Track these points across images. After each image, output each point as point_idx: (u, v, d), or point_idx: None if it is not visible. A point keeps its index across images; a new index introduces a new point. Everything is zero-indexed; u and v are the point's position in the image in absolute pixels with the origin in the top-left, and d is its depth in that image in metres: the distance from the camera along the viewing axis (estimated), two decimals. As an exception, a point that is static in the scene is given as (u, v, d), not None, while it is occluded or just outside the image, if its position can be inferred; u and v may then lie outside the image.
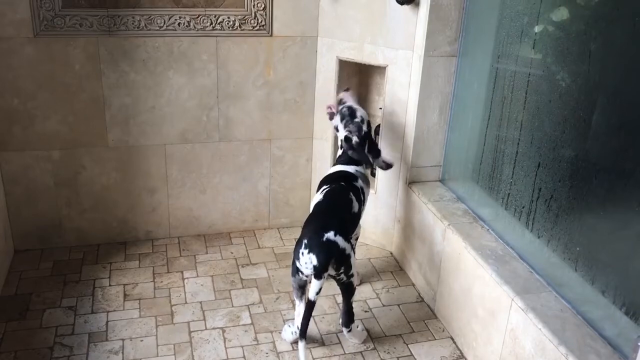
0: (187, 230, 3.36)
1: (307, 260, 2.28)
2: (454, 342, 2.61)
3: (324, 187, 2.59)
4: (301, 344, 2.27)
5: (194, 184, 3.27)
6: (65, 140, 2.99)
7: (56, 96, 2.89)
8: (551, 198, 2.25)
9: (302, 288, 2.45)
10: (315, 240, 2.29)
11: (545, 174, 2.28)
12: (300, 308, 2.48)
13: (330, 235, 2.31)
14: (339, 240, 2.32)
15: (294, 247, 2.40)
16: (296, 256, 2.35)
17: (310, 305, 2.28)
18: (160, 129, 3.10)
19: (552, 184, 2.24)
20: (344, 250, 2.33)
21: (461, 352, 2.56)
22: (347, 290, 2.46)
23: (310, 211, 2.55)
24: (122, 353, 2.45)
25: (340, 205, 2.52)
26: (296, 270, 2.38)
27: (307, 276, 2.35)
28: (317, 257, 2.26)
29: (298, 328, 2.44)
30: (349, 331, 2.53)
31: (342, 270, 2.36)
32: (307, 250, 2.29)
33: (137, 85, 2.98)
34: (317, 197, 2.57)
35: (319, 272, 2.26)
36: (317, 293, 2.26)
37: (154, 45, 2.92)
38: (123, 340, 2.53)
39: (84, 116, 2.97)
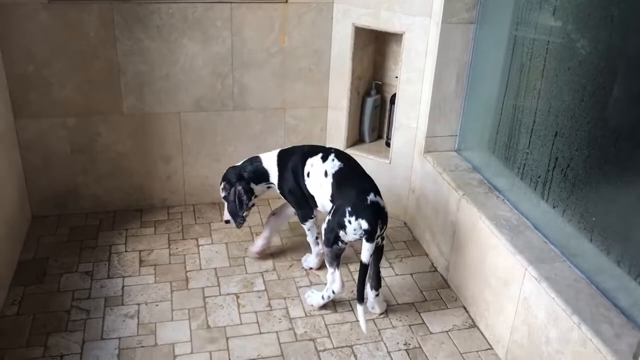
0: (202, 198, 3.38)
1: (357, 227, 2.29)
2: (466, 311, 2.62)
3: (315, 156, 2.57)
4: (360, 308, 2.33)
5: (208, 152, 3.27)
6: (80, 107, 3.00)
7: (71, 63, 2.89)
8: (568, 167, 2.22)
9: (339, 257, 2.49)
10: (360, 205, 2.31)
11: (562, 143, 2.24)
12: (335, 275, 2.51)
13: (371, 197, 2.35)
14: (379, 200, 2.38)
15: (327, 219, 2.42)
16: (339, 226, 2.34)
17: (364, 269, 2.30)
18: (175, 97, 3.10)
19: (569, 153, 2.21)
20: (384, 208, 2.38)
21: (473, 321, 2.56)
22: (381, 252, 2.52)
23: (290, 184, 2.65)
24: (138, 317, 2.49)
25: (358, 167, 2.57)
26: (335, 239, 2.40)
27: (346, 244, 2.41)
28: (368, 220, 2.27)
29: (333, 293, 2.54)
30: (377, 295, 2.55)
31: (384, 229, 2.40)
32: (353, 218, 2.30)
33: (151, 52, 2.97)
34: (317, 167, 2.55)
35: (371, 235, 2.28)
36: (371, 256, 2.31)
37: (168, 12, 2.90)
38: (138, 304, 2.57)
39: (99, 83, 2.97)
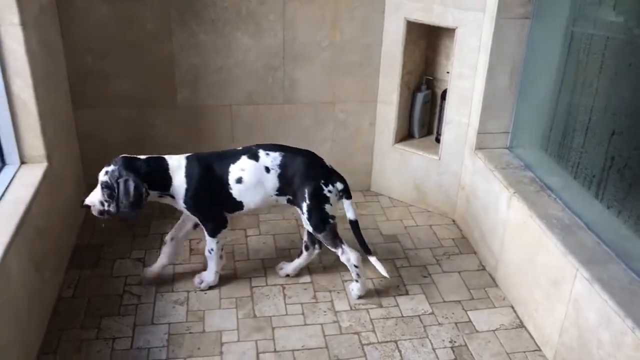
0: (250, 190, 3.42)
1: (335, 191, 2.49)
2: (514, 311, 2.58)
3: (246, 154, 2.50)
4: (373, 258, 2.55)
5: (258, 145, 3.31)
6: (136, 99, 3.08)
7: (128, 55, 2.98)
8: (625, 167, 2.15)
9: (337, 233, 2.57)
10: (327, 173, 2.50)
11: (619, 141, 2.18)
12: (346, 251, 2.55)
13: (324, 162, 2.55)
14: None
15: (307, 208, 2.46)
16: (323, 202, 2.47)
17: (356, 225, 2.55)
18: (227, 90, 3.15)
19: (627, 152, 2.14)
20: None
21: (521, 321, 2.52)
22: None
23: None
24: (187, 304, 2.55)
25: (291, 147, 2.58)
26: (325, 218, 2.49)
27: (334, 216, 2.52)
28: (340, 180, 2.52)
29: (356, 267, 2.57)
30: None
31: None
32: (330, 186, 2.48)
33: (205, 45, 3.02)
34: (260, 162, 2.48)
35: (348, 191, 2.53)
36: None
37: (223, 6, 2.95)
38: (188, 292, 2.63)
39: (155, 76, 3.05)
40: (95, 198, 2.36)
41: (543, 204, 2.49)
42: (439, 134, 3.23)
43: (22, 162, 2.53)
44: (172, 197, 2.46)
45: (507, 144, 2.96)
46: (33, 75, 2.39)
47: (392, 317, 2.53)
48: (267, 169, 2.46)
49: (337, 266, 2.84)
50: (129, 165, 2.35)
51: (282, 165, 2.46)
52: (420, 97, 3.26)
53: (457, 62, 2.93)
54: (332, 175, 2.51)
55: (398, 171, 3.36)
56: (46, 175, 2.50)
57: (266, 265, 2.82)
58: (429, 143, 3.31)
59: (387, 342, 2.40)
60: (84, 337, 2.35)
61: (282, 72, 3.15)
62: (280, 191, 2.49)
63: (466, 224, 3.09)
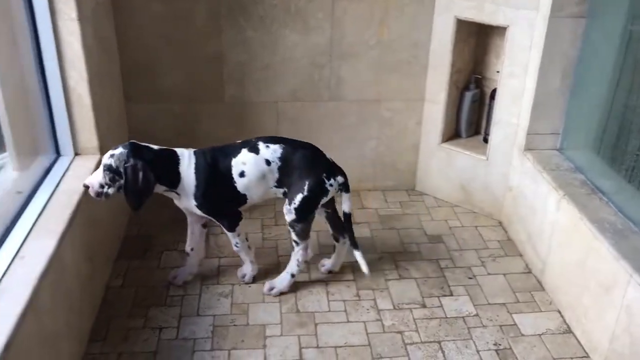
0: (294, 186, 3.44)
1: (336, 185, 2.50)
2: (561, 316, 2.52)
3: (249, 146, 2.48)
4: (358, 253, 2.55)
5: (303, 142, 3.33)
6: (185, 95, 3.14)
7: (179, 52, 3.03)
8: (684, 171, 2.08)
9: (310, 226, 2.60)
10: (330, 167, 2.51)
11: (678, 144, 2.11)
12: (306, 245, 2.60)
13: (327, 156, 2.54)
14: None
15: (300, 197, 2.45)
16: (321, 194, 2.48)
17: (349, 218, 2.56)
18: (274, 87, 3.17)
19: (687, 155, 2.07)
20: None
21: (568, 326, 2.46)
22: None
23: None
24: (232, 297, 2.59)
25: (293, 140, 2.56)
26: (313, 211, 2.52)
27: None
28: (341, 174, 2.53)
29: (298, 265, 2.61)
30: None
31: None
32: (332, 180, 2.49)
33: (254, 42, 3.05)
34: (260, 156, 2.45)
35: (347, 185, 2.54)
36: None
37: (272, 3, 2.97)
38: (233, 285, 2.66)
39: (203, 72, 3.10)
40: (95, 179, 2.28)
41: (594, 207, 2.43)
42: (486, 133, 3.19)
43: (76, 154, 2.61)
44: (178, 194, 2.41)
45: (558, 145, 2.89)
46: (88, 69, 2.46)
47: (436, 318, 2.51)
48: (268, 162, 2.44)
49: (381, 265, 2.84)
50: (138, 151, 2.30)
51: (283, 158, 2.45)
52: (468, 96, 3.22)
53: (507, 61, 2.88)
54: (334, 169, 2.52)
55: (444, 171, 3.33)
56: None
57: (310, 262, 2.83)
58: (477, 143, 3.26)
59: (430, 342, 2.38)
60: (131, 326, 2.40)
61: (328, 70, 3.16)
62: (279, 183, 2.48)
63: (512, 226, 3.04)
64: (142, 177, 2.27)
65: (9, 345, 1.60)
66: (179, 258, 2.82)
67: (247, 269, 2.68)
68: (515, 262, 2.88)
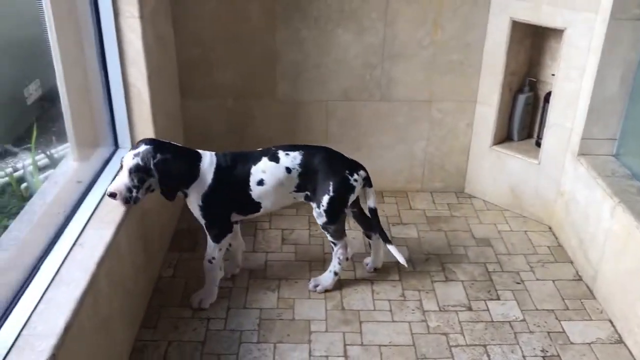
0: (342, 185, 3.47)
1: (360, 180, 2.50)
2: (613, 325, 2.46)
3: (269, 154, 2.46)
4: (392, 247, 2.55)
5: (351, 141, 3.34)
6: (239, 91, 3.20)
7: (234, 48, 3.09)
8: None
9: (344, 223, 2.61)
10: (349, 164, 2.51)
11: None
12: (344, 243, 2.60)
13: (343, 154, 2.54)
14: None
15: (327, 199, 2.44)
16: (347, 192, 2.47)
17: (375, 213, 2.57)
18: (325, 86, 3.20)
19: None
20: None
21: (620, 337, 2.40)
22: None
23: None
24: (278, 291, 2.63)
25: (309, 145, 2.56)
26: (344, 209, 2.52)
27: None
28: (362, 168, 2.53)
29: (339, 263, 2.62)
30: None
31: None
32: (355, 175, 2.48)
33: (307, 41, 3.09)
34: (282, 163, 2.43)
35: (369, 178, 2.54)
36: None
37: (326, 3, 3.00)
38: (279, 280, 2.71)
39: (257, 69, 3.15)
40: (120, 185, 2.20)
41: (651, 216, 2.36)
42: (539, 137, 3.13)
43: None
44: (186, 193, 2.37)
45: (613, 151, 2.82)
46: (147, 66, 2.54)
47: (482, 321, 2.49)
48: (288, 170, 2.42)
49: (427, 266, 2.83)
50: (162, 146, 2.27)
51: (303, 164, 2.43)
52: (522, 99, 3.17)
53: (563, 64, 2.83)
54: (354, 165, 2.52)
55: (494, 174, 3.29)
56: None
57: (355, 260, 2.85)
58: (529, 146, 3.21)
59: (475, 345, 2.36)
60: (181, 315, 2.47)
61: (380, 70, 3.16)
62: (299, 188, 2.46)
63: (563, 232, 2.98)
64: (175, 167, 2.27)
65: (68, 327, 1.68)
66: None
67: (207, 293, 2.53)
68: (565, 269, 2.83)
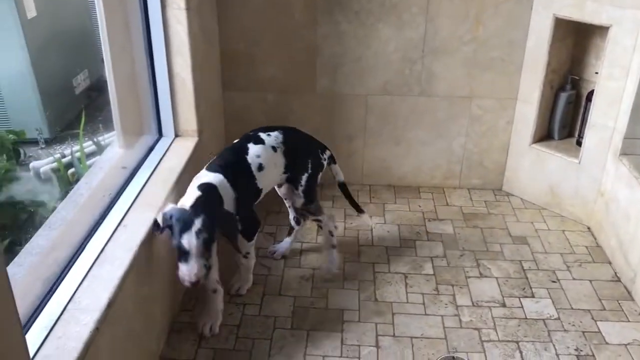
0: (378, 179, 3.49)
1: (326, 157, 2.66)
2: (651, 328, 2.43)
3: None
4: (365, 215, 2.87)
5: (389, 136, 3.36)
6: (279, 84, 3.25)
7: (276, 42, 3.15)
8: None
9: None
10: (319, 142, 2.65)
11: None
12: (331, 220, 2.72)
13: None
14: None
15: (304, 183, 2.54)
16: (320, 169, 2.61)
17: (345, 186, 2.77)
18: (364, 80, 3.23)
19: None
20: None
21: (658, 339, 2.37)
22: None
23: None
24: (312, 280, 2.67)
25: (281, 127, 2.61)
26: (316, 187, 2.61)
27: None
28: (326, 147, 2.67)
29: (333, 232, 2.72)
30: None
31: None
32: (324, 153, 2.65)
33: (347, 35, 3.12)
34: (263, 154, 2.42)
35: (333, 157, 2.71)
36: None
37: (368, -3, 3.03)
38: (314, 269, 2.75)
39: (298, 63, 3.20)
40: (198, 268, 2.04)
41: (694, 217, 2.32)
42: (580, 136, 3.09)
43: (177, 135, 2.77)
44: None
45: (657, 151, 2.77)
46: (192, 56, 2.61)
47: (515, 318, 2.48)
48: (274, 149, 2.45)
49: (462, 262, 2.83)
50: (204, 207, 2.08)
51: (285, 142, 2.48)
52: (563, 97, 3.13)
53: (607, 62, 2.79)
54: (321, 144, 2.64)
55: (533, 172, 3.26)
56: (196, 149, 2.72)
57: (390, 253, 2.88)
58: (569, 145, 3.17)
59: (508, 341, 2.36)
60: (218, 300, 2.54)
61: (420, 65, 3.17)
62: (286, 168, 2.49)
63: (602, 232, 2.94)
64: (227, 214, 2.20)
65: (111, 303, 1.76)
66: (263, 240, 2.94)
67: (244, 280, 2.58)
68: (604, 269, 2.79)
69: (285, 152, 2.49)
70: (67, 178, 3.24)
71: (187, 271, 2.04)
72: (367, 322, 2.45)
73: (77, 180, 2.70)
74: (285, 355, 2.28)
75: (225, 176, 2.27)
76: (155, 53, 2.61)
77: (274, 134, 2.51)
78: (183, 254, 2.04)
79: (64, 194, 2.64)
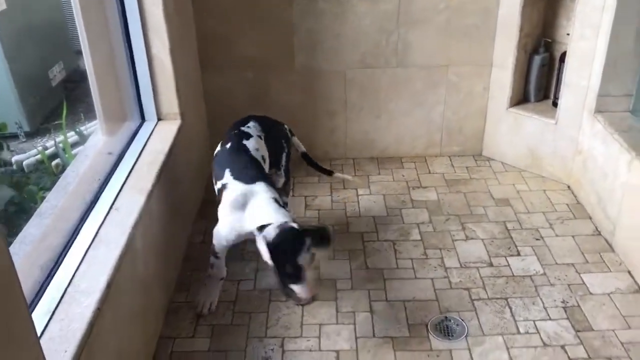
0: (361, 152, 3.54)
1: (288, 130, 2.75)
2: (632, 276, 2.52)
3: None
4: (337, 174, 2.94)
5: (370, 109, 3.40)
6: (258, 63, 3.27)
7: (252, 21, 3.15)
8: None
9: None
10: (279, 122, 2.73)
11: None
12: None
13: None
14: None
15: (287, 152, 2.65)
16: (290, 142, 2.71)
17: (307, 154, 2.83)
18: (342, 55, 3.25)
19: None
20: None
21: (639, 286, 2.46)
22: None
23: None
24: (304, 254, 2.72)
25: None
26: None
27: None
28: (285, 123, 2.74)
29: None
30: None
31: None
32: (288, 129, 2.75)
33: (324, 12, 3.13)
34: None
35: (291, 130, 2.78)
36: None
37: (341, -29, 3.05)
38: (304, 243, 2.80)
39: (275, 41, 3.21)
40: (312, 282, 2.04)
41: (668, 167, 2.40)
42: (556, 97, 3.16)
43: (159, 119, 2.78)
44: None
45: (630, 107, 2.85)
46: (170, 38, 2.61)
47: (503, 276, 2.56)
48: (260, 137, 2.50)
49: (447, 226, 2.90)
50: (297, 222, 2.08)
51: (263, 128, 2.55)
52: (537, 60, 3.19)
53: (578, 23, 2.85)
54: (280, 121, 2.72)
55: (511, 136, 3.33)
56: (180, 131, 2.73)
57: (377, 222, 2.93)
58: (545, 107, 3.25)
59: (497, 298, 2.44)
60: (212, 278, 2.58)
61: (396, 36, 3.21)
62: (270, 152, 2.53)
63: (582, 189, 3.03)
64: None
65: (110, 283, 1.79)
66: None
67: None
68: (584, 225, 2.88)
69: (266, 138, 2.54)
70: (51, 170, 3.24)
71: (306, 290, 2.00)
72: (360, 289, 2.51)
73: (63, 170, 2.71)
74: (282, 327, 2.33)
75: (263, 180, 2.23)
76: (132, 37, 2.60)
77: (251, 124, 2.56)
78: (294, 273, 1.97)
79: (51, 184, 2.64)
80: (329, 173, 2.90)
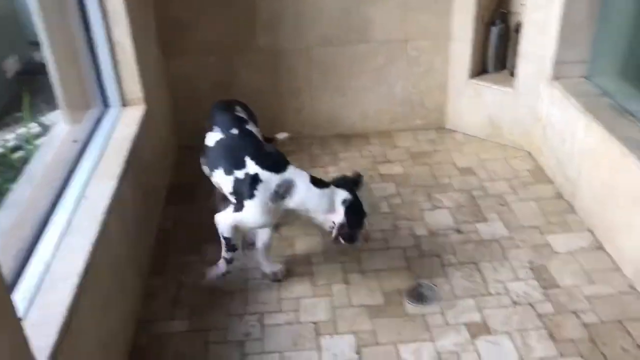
0: (328, 130, 3.57)
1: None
2: (593, 235, 2.63)
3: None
4: (277, 135, 2.86)
5: (335, 87, 3.43)
6: (220, 46, 3.26)
7: (213, 4, 3.13)
8: None
9: None
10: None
11: None
12: None
13: None
14: None
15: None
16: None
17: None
18: (305, 34, 3.27)
19: None
20: None
21: (600, 243, 2.57)
22: None
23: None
24: (279, 232, 2.75)
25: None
26: None
27: None
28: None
29: None
30: None
31: None
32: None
33: (283, -9, 3.14)
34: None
35: None
36: None
37: (298, -51, 3.05)
38: (277, 224, 2.81)
39: (238, 23, 3.21)
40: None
41: (622, 128, 2.50)
42: (513, 67, 3.24)
43: (123, 105, 2.75)
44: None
45: (585, 73, 2.95)
46: (130, 23, 2.58)
47: (471, 242, 2.64)
48: (250, 120, 2.56)
49: (415, 197, 2.97)
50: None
51: (247, 112, 2.61)
52: (495, 31, 3.26)
53: (532, -7, 2.92)
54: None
55: (472, 107, 3.41)
56: (145, 117, 2.71)
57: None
58: (504, 77, 3.33)
59: (467, 263, 2.52)
60: (188, 261, 2.59)
61: (356, 13, 3.23)
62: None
63: (542, 155, 3.13)
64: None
65: (87, 269, 1.79)
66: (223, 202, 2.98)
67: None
68: (546, 189, 2.98)
69: (252, 121, 2.59)
70: (12, 162, 3.17)
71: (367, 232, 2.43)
72: (334, 262, 2.56)
73: (26, 162, 2.66)
74: (262, 303, 2.37)
75: (290, 163, 2.32)
76: (92, 23, 2.56)
77: (236, 107, 2.58)
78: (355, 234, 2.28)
79: (15, 176, 2.60)
80: (272, 139, 2.80)
